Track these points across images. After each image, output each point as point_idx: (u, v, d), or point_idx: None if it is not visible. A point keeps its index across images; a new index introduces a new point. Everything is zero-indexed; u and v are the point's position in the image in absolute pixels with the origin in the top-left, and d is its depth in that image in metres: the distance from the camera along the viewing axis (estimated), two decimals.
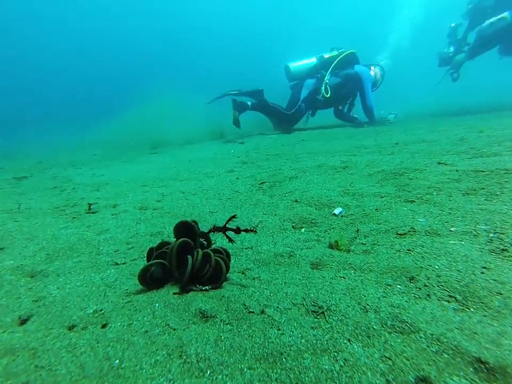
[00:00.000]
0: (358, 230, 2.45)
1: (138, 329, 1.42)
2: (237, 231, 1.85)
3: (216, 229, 1.90)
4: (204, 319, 1.48)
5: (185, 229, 1.86)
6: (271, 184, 3.88)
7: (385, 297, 1.55)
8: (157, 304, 1.59)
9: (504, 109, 7.78)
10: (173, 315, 1.51)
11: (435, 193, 2.82)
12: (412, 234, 2.21)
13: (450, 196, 2.70)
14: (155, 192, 4.09)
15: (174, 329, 1.42)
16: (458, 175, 3.16)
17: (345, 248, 2.17)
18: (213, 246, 2.01)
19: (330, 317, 1.43)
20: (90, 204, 3.52)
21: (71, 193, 4.26)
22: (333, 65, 8.80)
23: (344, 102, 9.35)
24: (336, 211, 2.80)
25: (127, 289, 1.75)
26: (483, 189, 2.73)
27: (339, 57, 8.84)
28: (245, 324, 1.43)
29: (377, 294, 1.57)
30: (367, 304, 1.49)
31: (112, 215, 3.35)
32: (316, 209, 2.96)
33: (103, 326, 1.43)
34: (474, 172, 3.18)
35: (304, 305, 1.54)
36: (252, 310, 1.51)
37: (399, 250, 2.02)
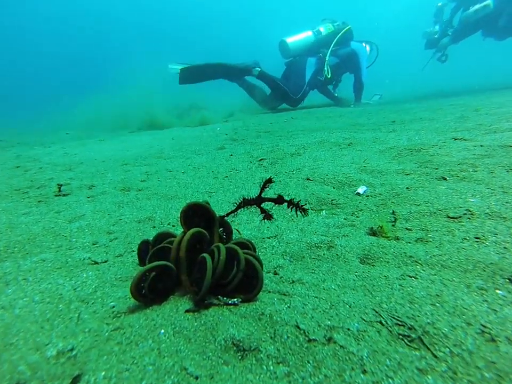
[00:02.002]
0: (393, 212, 1.93)
1: None
2: (279, 200, 1.26)
3: (247, 202, 1.29)
4: (240, 355, 0.90)
5: (197, 213, 1.24)
6: (272, 161, 3.29)
7: (495, 310, 1.03)
8: (163, 331, 0.99)
9: (489, 90, 7.54)
10: (190, 350, 0.92)
11: (470, 170, 2.34)
12: (470, 218, 1.71)
13: (492, 173, 2.24)
14: (138, 171, 3.39)
15: (196, 378, 0.83)
16: (485, 151, 2.71)
17: (393, 235, 1.64)
18: (234, 238, 1.41)
19: (436, 347, 0.89)
20: (61, 185, 2.78)
21: (37, 174, 3.45)
22: (332, 45, 8.10)
23: (336, 80, 8.76)
24: (360, 190, 2.27)
25: (113, 307, 1.12)
26: None
27: (337, 36, 8.16)
28: (309, 362, 0.87)
29: (479, 306, 1.05)
30: (482, 325, 0.96)
31: (88, 197, 2.64)
32: (334, 188, 2.41)
33: (73, 383, 0.81)
34: (502, 147, 2.74)
35: (383, 324, 0.99)
36: (314, 337, 0.94)
37: (465, 239, 1.52)
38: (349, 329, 0.97)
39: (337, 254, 1.47)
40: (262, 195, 1.32)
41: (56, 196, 2.67)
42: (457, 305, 1.04)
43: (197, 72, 7.94)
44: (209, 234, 1.22)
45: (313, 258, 1.46)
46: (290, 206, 1.27)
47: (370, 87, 8.77)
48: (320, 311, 1.06)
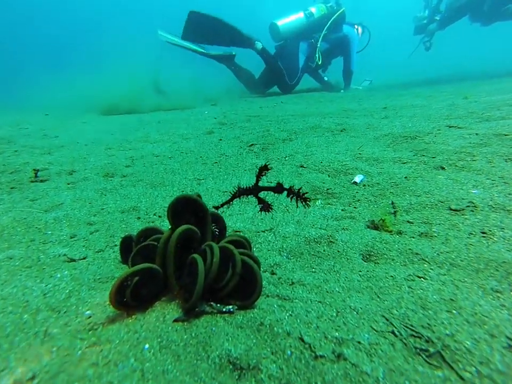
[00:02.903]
0: (393, 203, 1.82)
1: None
2: (278, 189, 1.10)
3: (242, 192, 1.13)
4: (237, 375, 0.77)
5: (187, 208, 1.07)
6: (263, 147, 3.12)
7: None
8: (147, 346, 0.84)
9: (476, 78, 7.47)
10: (179, 370, 0.77)
11: (469, 159, 2.24)
12: (473, 211, 1.61)
13: (490, 162, 2.14)
14: (122, 156, 3.16)
15: None
16: (480, 139, 2.62)
17: (395, 228, 1.53)
18: (227, 234, 1.25)
19: (460, 365, 0.78)
20: (37, 170, 2.54)
21: (11, 157, 3.17)
22: (324, 30, 7.75)
23: (326, 64, 8.47)
24: (357, 179, 2.14)
25: (89, 316, 0.95)
26: None
27: (330, 21, 7.78)
28: None
29: (499, 312, 0.94)
30: (508, 338, 0.85)
31: (68, 184, 2.42)
32: (329, 176, 2.27)
33: None
34: (496, 135, 2.64)
35: (396, 335, 0.87)
36: (321, 353, 0.81)
37: (472, 233, 1.41)
38: (359, 342, 0.84)
39: (338, 251, 1.34)
40: (258, 183, 1.17)
41: (31, 182, 2.43)
42: (475, 312, 0.93)
43: (205, 26, 7.45)
44: (201, 231, 1.06)
45: (313, 255, 1.33)
46: (290, 195, 1.11)
47: (361, 72, 8.56)
48: (325, 320, 0.93)
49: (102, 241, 1.54)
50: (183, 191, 2.21)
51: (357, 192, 2.00)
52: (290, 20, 7.88)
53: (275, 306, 0.98)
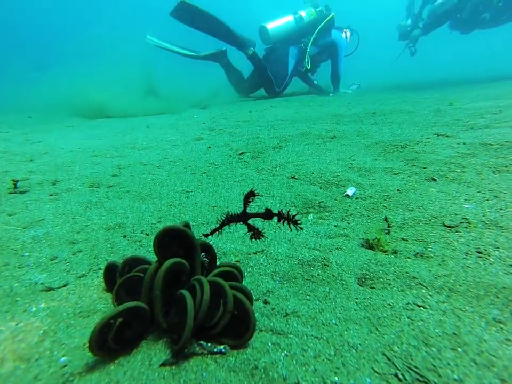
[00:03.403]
0: (386, 218, 1.77)
1: None
2: (267, 215, 1.03)
3: (231, 219, 1.06)
4: None
5: (175, 240, 0.99)
6: (253, 155, 3.04)
7: None
8: None
9: (460, 83, 7.58)
10: None
11: (459, 170, 2.22)
12: (466, 227, 1.57)
13: (480, 174, 2.12)
14: (109, 164, 3.03)
15: None
16: (467, 149, 2.61)
17: (390, 248, 1.47)
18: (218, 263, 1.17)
19: None
20: (17, 181, 2.40)
21: None
22: (314, 35, 7.69)
23: (315, 67, 8.44)
24: (349, 192, 2.08)
25: (64, 366, 0.85)
26: (510, 165, 2.19)
27: (319, 26, 7.72)
28: None
29: (506, 349, 0.89)
30: None
31: (51, 195, 2.29)
32: (321, 188, 2.22)
33: None
34: (482, 145, 2.64)
35: (400, 380, 0.81)
36: None
37: (468, 253, 1.37)
38: None
39: (333, 275, 1.27)
40: (246, 210, 1.09)
41: (10, 193, 2.30)
42: (481, 350, 0.87)
43: (198, 16, 7.21)
44: (190, 263, 0.98)
45: (307, 279, 1.26)
46: (281, 220, 1.04)
47: (350, 75, 8.56)
48: (323, 360, 0.86)
49: (85, 263, 1.44)
50: (171, 205, 2.11)
51: (349, 206, 1.95)
52: (280, 24, 7.80)
53: (269, 344, 0.91)
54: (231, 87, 8.40)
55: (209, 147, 3.44)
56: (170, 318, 0.93)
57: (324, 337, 0.95)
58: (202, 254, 1.08)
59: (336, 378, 0.81)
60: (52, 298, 1.15)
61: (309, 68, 7.69)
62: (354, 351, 0.90)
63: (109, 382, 0.79)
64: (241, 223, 1.08)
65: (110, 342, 0.83)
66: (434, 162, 2.40)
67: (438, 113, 4.15)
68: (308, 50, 7.67)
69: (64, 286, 1.24)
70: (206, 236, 1.07)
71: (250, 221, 1.09)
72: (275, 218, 1.04)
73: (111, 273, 1.17)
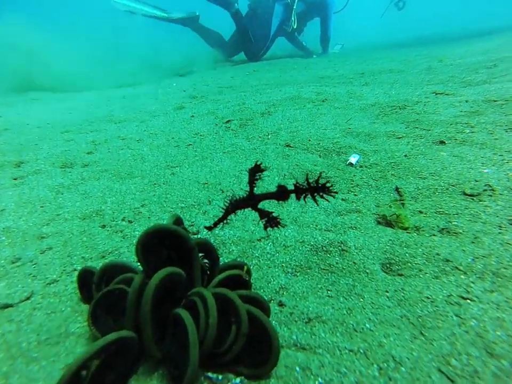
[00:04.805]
0: (397, 188, 1.55)
1: None
2: (283, 194, 0.74)
3: (236, 205, 0.77)
4: None
5: (164, 242, 0.72)
6: (241, 123, 2.71)
7: None
8: None
9: (447, 40, 7.18)
10: None
11: (467, 131, 1.99)
12: (491, 195, 1.37)
13: (492, 134, 1.90)
14: (83, 140, 2.63)
15: None
16: (470, 107, 2.37)
17: (411, 224, 1.26)
18: (221, 262, 0.91)
19: None
20: None
21: None
22: None
23: (302, 27, 7.70)
24: (353, 159, 1.83)
25: None
26: None
27: None
28: None
29: None
30: None
31: (14, 180, 1.94)
32: (320, 156, 1.96)
33: None
34: (486, 102, 2.41)
35: None
36: None
37: (501, 227, 1.17)
38: None
39: (354, 262, 1.05)
40: (253, 191, 0.82)
41: None
42: None
43: None
44: (186, 271, 0.72)
45: (324, 269, 1.04)
46: (302, 195, 0.73)
47: (334, 35, 7.93)
48: None
49: (56, 264, 1.16)
50: (155, 184, 1.81)
51: (354, 176, 1.71)
52: None
53: (297, 370, 0.69)
54: (213, 50, 7.66)
55: (193, 116, 3.07)
56: (166, 344, 0.68)
57: (361, 351, 0.74)
58: (201, 254, 0.82)
59: None
60: (10, 319, 0.87)
61: (295, 27, 7.03)
62: (403, 369, 0.69)
63: None
64: (249, 208, 0.81)
65: None
66: (439, 124, 2.16)
67: (430, 71, 3.86)
68: (294, 7, 6.96)
69: (27, 299, 0.96)
70: (209, 229, 0.79)
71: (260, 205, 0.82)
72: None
73: (86, 281, 0.91)
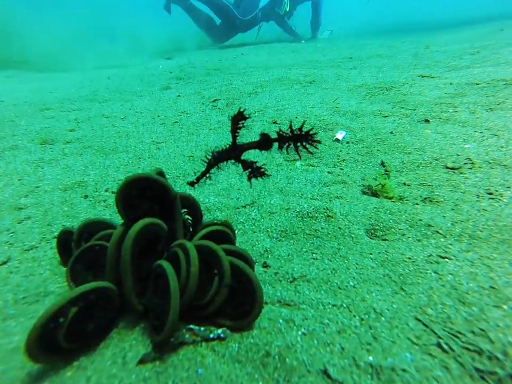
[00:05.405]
0: (383, 162, 1.56)
1: None
2: (266, 143, 0.70)
3: (218, 157, 0.74)
4: None
5: (145, 193, 0.70)
6: (228, 102, 2.66)
7: None
8: None
9: (433, 28, 7.20)
10: None
11: (451, 110, 2.01)
12: (471, 168, 1.40)
13: (473, 113, 1.93)
14: (65, 118, 2.53)
15: None
16: (454, 89, 2.40)
17: (395, 194, 1.27)
18: (205, 220, 0.89)
19: None
20: None
21: None
22: None
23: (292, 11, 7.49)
24: (339, 135, 1.83)
25: None
26: (502, 103, 2.01)
27: None
28: None
29: None
30: None
31: None
32: None
33: None
34: (469, 84, 2.44)
35: (445, 350, 0.63)
36: None
37: (479, 196, 1.20)
38: (404, 370, 0.59)
39: (339, 227, 1.06)
40: (236, 141, 0.78)
41: None
42: None
43: None
44: (168, 224, 0.70)
45: (309, 234, 1.04)
46: (286, 144, 0.67)
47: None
48: (350, 335, 0.66)
49: (35, 232, 1.12)
50: (140, 157, 1.76)
51: (340, 151, 1.71)
52: None
53: (280, 321, 0.69)
54: (201, 33, 7.43)
55: (179, 96, 2.99)
56: (148, 297, 0.67)
57: (344, 305, 0.74)
58: (184, 210, 0.80)
59: (371, 358, 0.61)
60: None
61: (287, 10, 6.85)
62: (383, 319, 0.70)
63: None
64: (233, 160, 0.78)
65: (61, 340, 0.56)
66: (424, 104, 2.18)
67: (416, 56, 3.88)
68: None
69: (4, 263, 0.93)
70: (192, 184, 0.76)
71: (244, 156, 0.78)
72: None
73: (67, 243, 0.88)
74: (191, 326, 0.65)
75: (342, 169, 1.55)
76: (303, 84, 3.01)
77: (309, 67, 3.82)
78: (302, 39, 7.22)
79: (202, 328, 0.65)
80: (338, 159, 1.65)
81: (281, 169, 1.56)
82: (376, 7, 9.12)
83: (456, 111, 1.99)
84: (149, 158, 1.73)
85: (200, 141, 1.92)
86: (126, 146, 1.94)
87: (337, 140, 1.81)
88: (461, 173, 1.37)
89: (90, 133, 2.21)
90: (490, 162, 1.42)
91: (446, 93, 2.34)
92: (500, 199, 1.16)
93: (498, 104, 1.97)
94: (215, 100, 2.74)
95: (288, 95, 2.65)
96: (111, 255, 0.66)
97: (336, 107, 2.27)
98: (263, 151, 0.68)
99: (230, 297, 0.66)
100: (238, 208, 1.19)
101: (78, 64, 5.66)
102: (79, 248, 0.76)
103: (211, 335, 0.64)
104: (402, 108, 2.19)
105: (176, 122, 2.31)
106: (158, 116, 2.46)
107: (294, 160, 1.70)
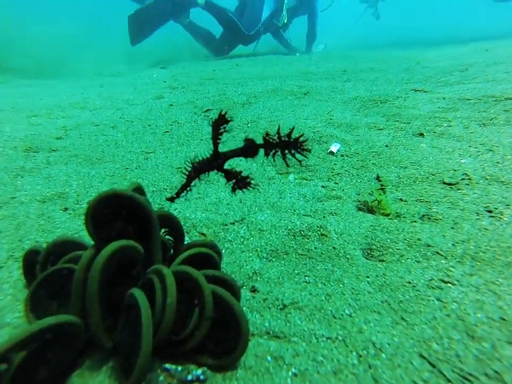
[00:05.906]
0: (378, 177, 1.50)
1: None
2: (250, 150, 0.61)
3: (199, 168, 0.66)
4: None
5: (120, 211, 0.62)
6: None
7: None
8: None
9: (420, 44, 7.34)
10: None
11: (445, 124, 1.98)
12: (468, 184, 1.35)
13: (467, 128, 1.90)
14: (52, 126, 2.44)
15: None
16: (447, 104, 2.38)
17: (392, 210, 1.21)
18: (187, 239, 0.81)
19: None
20: None
21: None
22: None
23: (289, 24, 7.56)
24: (334, 148, 1.78)
25: None
26: (495, 118, 1.99)
27: None
28: None
29: None
30: None
31: None
32: None
33: None
34: (461, 99, 2.43)
35: None
36: None
37: (479, 214, 1.14)
38: None
39: (333, 247, 0.98)
40: (218, 149, 0.69)
41: None
42: None
43: (146, 17, 6.29)
44: (144, 246, 0.62)
45: (302, 255, 0.96)
46: (272, 151, 0.60)
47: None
48: (347, 377, 0.58)
49: (3, 249, 1.02)
50: (127, 168, 1.68)
51: (335, 164, 1.65)
52: None
53: (268, 359, 0.60)
54: (198, 45, 7.43)
55: (171, 105, 2.93)
56: (119, 331, 0.58)
57: (340, 337, 0.66)
58: (164, 230, 0.72)
59: None
60: None
61: (285, 22, 6.90)
62: (383, 355, 0.62)
63: None
64: (215, 171, 0.69)
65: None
66: (418, 117, 2.15)
67: (408, 71, 3.90)
68: (285, 1, 6.81)
69: None
70: (171, 199, 0.68)
71: (227, 166, 0.70)
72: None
73: (34, 264, 0.78)
74: (167, 366, 0.56)
75: (336, 183, 1.49)
76: (298, 95, 2.98)
77: (303, 79, 3.80)
78: (297, 51, 7.28)
79: (179, 368, 0.56)
80: (332, 172, 1.59)
81: (273, 183, 1.49)
82: (368, 23, 9.28)
83: (450, 125, 1.96)
84: (136, 168, 1.65)
85: (191, 152, 1.84)
86: (113, 156, 1.85)
87: (332, 153, 1.75)
88: (459, 189, 1.32)
89: (78, 141, 2.12)
90: (487, 178, 1.37)
91: (439, 107, 2.32)
92: (500, 218, 1.10)
93: (490, 120, 1.94)
94: (207, 110, 2.68)
95: (282, 106, 2.60)
96: (77, 283, 0.57)
97: (331, 119, 2.22)
98: (248, 159, 0.60)
99: (212, 331, 0.58)
100: (226, 224, 1.11)
101: (71, 72, 5.60)
102: (43, 271, 0.67)
103: (189, 377, 0.55)
104: (397, 121, 2.15)
105: (167, 132, 2.24)
106: (149, 125, 2.39)
107: (287, 173, 1.63)
